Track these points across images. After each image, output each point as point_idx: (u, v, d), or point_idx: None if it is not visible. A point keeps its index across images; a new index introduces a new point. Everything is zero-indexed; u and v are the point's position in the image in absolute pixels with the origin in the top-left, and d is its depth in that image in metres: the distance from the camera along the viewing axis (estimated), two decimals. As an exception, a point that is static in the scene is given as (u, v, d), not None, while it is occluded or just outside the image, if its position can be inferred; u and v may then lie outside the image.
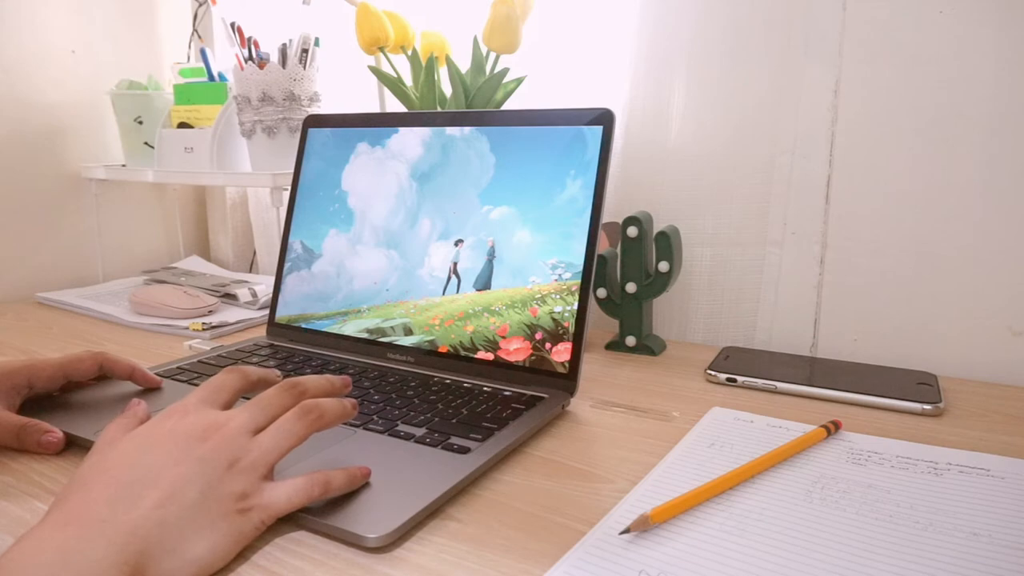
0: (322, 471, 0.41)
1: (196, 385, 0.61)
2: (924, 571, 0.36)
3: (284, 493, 0.40)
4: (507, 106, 0.81)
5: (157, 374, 0.63)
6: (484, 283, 0.65)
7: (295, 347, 0.73)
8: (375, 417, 0.54)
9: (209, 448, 0.39)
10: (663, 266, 0.73)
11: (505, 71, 0.78)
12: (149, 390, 0.60)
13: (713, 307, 0.81)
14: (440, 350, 0.65)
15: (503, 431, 0.51)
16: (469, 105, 0.79)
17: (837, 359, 0.71)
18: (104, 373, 0.59)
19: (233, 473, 0.39)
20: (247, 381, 0.46)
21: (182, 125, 1.01)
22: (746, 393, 0.63)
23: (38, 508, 0.44)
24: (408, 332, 0.67)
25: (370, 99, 0.94)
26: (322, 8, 0.93)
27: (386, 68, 0.85)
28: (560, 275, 0.61)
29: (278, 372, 0.49)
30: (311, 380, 0.46)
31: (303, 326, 0.74)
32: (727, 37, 0.75)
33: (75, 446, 0.51)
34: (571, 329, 0.60)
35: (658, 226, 0.75)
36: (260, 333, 0.78)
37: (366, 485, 0.44)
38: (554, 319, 0.61)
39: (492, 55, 0.80)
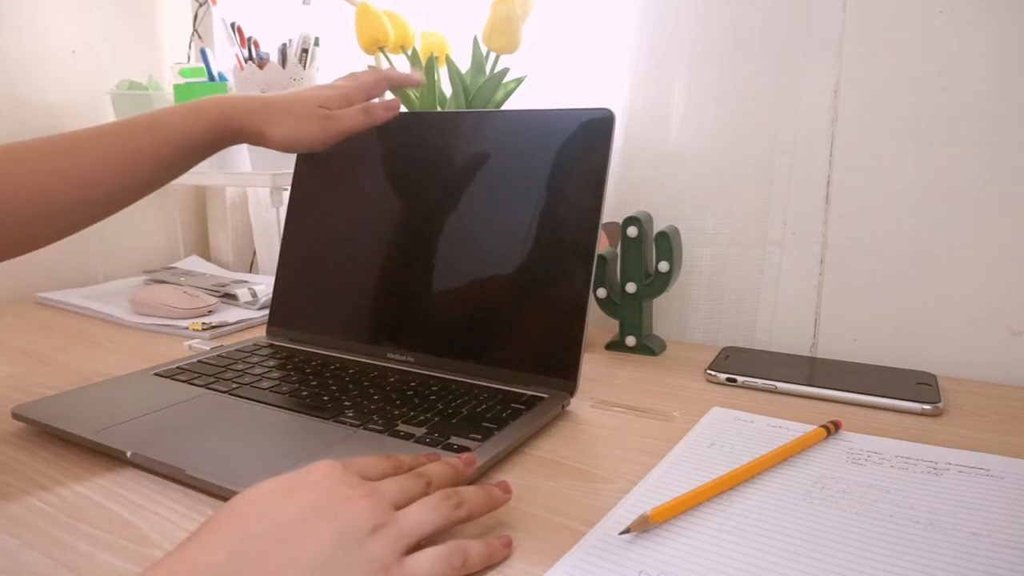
0: (459, 540, 0.37)
1: (196, 386, 0.61)
2: (924, 571, 0.36)
3: (426, 565, 0.35)
4: (507, 106, 0.81)
5: (157, 374, 0.63)
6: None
7: (295, 347, 0.73)
8: (375, 417, 0.54)
9: (354, 511, 0.35)
10: (663, 266, 0.73)
11: (505, 71, 0.78)
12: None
13: (713, 307, 0.81)
14: (440, 349, 0.65)
15: (503, 431, 0.51)
16: (469, 105, 0.79)
17: (837, 359, 0.71)
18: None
19: (377, 537, 0.34)
20: (400, 466, 0.42)
21: (182, 125, 1.01)
22: (746, 393, 0.64)
23: (38, 508, 0.44)
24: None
25: (370, 99, 0.94)
26: (322, 8, 0.93)
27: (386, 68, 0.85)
28: (560, 275, 0.61)
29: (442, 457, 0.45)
30: (434, 468, 0.42)
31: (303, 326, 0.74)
32: (727, 37, 0.75)
33: (106, 457, 0.52)
34: (571, 329, 0.60)
35: (658, 226, 0.75)
36: (260, 333, 0.78)
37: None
38: (554, 319, 0.61)
39: (492, 55, 0.80)
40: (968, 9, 0.64)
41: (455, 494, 0.39)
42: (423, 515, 0.37)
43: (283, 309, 0.76)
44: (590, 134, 0.61)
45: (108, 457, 0.50)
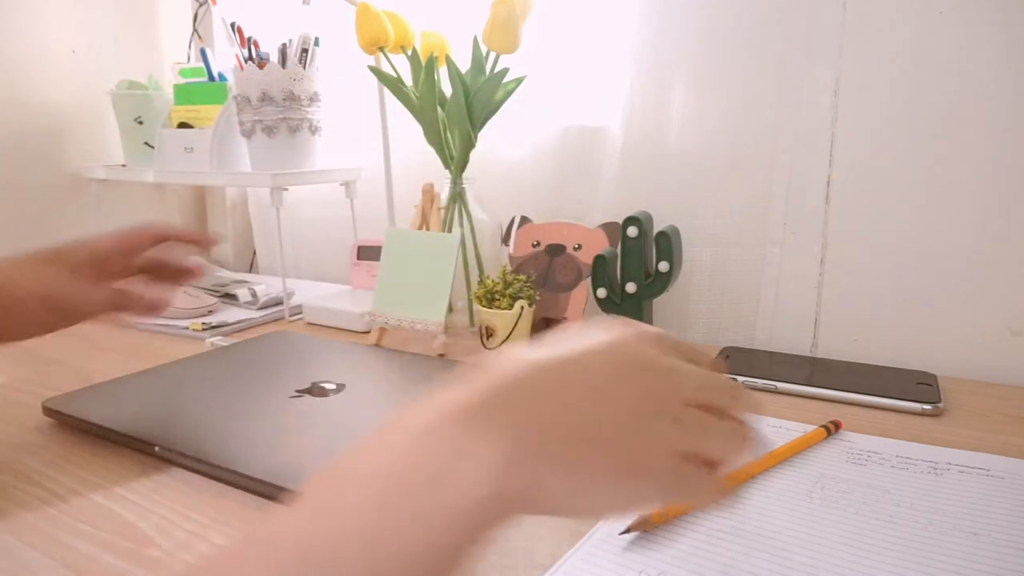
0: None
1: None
2: (924, 571, 0.36)
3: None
4: (507, 106, 0.81)
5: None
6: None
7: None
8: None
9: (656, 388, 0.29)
10: (663, 266, 0.72)
11: (505, 71, 0.78)
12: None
13: (713, 307, 0.81)
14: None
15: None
16: (469, 104, 0.79)
17: (837, 359, 0.71)
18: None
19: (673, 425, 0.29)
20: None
21: (182, 125, 1.01)
22: (746, 393, 0.63)
23: (38, 508, 0.44)
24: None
25: (370, 99, 0.94)
26: (322, 8, 0.93)
27: (386, 68, 0.85)
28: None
29: None
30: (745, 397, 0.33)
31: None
32: (727, 37, 0.75)
33: (105, 458, 0.51)
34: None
35: (658, 226, 0.74)
36: (264, 331, 0.78)
37: None
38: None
39: (492, 55, 0.79)
40: (968, 9, 0.64)
41: (748, 439, 0.31)
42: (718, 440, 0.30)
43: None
44: None
45: (107, 458, 0.50)
